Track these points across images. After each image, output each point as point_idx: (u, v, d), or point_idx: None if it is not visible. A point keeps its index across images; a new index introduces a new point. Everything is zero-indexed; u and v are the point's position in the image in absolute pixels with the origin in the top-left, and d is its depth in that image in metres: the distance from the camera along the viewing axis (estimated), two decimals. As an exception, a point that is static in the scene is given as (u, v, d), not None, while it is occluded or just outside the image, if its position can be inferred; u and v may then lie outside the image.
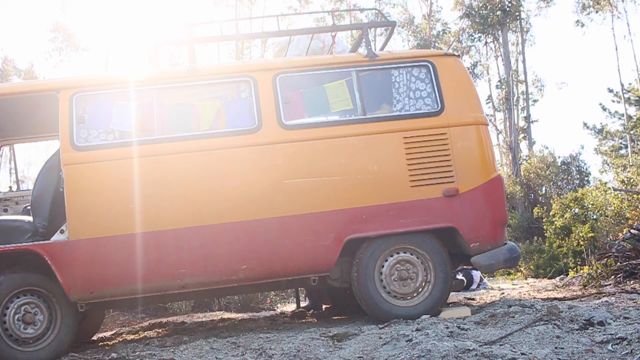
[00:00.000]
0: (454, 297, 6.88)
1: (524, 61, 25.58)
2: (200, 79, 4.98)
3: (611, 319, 4.17)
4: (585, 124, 30.54)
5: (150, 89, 4.94)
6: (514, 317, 4.41)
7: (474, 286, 8.66)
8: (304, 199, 4.80)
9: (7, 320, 4.57)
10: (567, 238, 11.68)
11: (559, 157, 20.07)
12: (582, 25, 25.98)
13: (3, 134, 5.96)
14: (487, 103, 26.70)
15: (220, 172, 4.80)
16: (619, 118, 28.57)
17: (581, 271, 8.74)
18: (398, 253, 4.91)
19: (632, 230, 7.63)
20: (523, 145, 24.76)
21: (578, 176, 19.52)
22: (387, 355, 3.71)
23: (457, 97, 5.12)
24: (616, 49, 25.12)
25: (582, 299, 5.63)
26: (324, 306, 6.91)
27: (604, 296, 5.66)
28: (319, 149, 4.89)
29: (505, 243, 5.08)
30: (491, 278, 11.28)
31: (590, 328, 3.99)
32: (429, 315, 4.75)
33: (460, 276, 8.45)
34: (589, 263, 9.01)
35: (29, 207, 5.11)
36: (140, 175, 4.70)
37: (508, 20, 24.21)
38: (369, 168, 4.89)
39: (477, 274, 8.65)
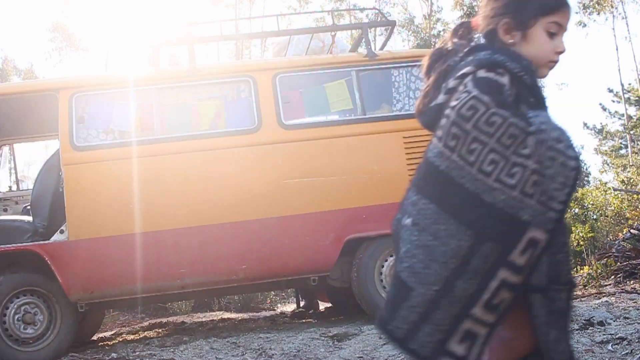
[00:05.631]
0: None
1: (524, 61, 25.53)
2: (200, 79, 4.97)
3: (611, 319, 4.16)
4: (585, 124, 30.62)
5: (149, 89, 4.93)
6: (514, 317, 4.40)
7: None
8: (304, 198, 4.79)
9: (7, 320, 4.55)
10: (567, 238, 11.66)
11: (559, 157, 20.01)
12: (584, 26, 25.99)
13: (3, 133, 5.95)
14: (487, 103, 26.64)
15: (220, 172, 4.79)
16: (619, 118, 28.59)
17: (581, 271, 8.72)
18: (398, 253, 4.90)
19: (632, 230, 7.62)
20: (523, 145, 24.70)
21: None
22: (387, 355, 3.71)
23: (457, 97, 5.10)
24: (617, 50, 25.20)
25: (582, 299, 5.62)
26: (322, 306, 6.90)
27: (604, 296, 5.64)
28: (319, 148, 4.89)
29: (505, 243, 5.07)
30: (491, 278, 11.26)
31: (590, 328, 3.98)
32: (429, 315, 4.73)
33: None
34: (589, 263, 8.99)
35: (28, 207, 5.10)
36: (139, 175, 4.69)
37: (508, 20, 24.16)
38: (368, 168, 4.88)
39: None
